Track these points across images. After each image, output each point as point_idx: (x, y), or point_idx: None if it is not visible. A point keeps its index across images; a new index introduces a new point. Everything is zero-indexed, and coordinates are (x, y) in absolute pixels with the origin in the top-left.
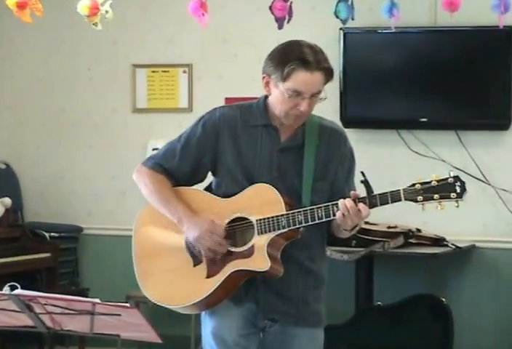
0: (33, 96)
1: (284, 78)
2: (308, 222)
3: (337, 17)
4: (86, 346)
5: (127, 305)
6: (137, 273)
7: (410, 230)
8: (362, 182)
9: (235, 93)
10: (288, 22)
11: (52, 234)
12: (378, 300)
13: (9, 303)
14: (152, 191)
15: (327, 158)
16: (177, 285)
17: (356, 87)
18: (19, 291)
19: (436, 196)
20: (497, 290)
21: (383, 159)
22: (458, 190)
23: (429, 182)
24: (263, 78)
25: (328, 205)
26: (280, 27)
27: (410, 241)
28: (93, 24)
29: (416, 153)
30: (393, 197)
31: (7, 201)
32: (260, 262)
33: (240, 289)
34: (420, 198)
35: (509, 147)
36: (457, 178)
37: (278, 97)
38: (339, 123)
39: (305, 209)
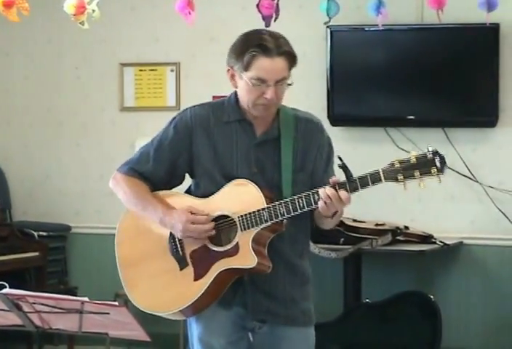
0: (20, 95)
1: (246, 67)
2: (290, 213)
3: (328, 14)
4: (75, 344)
5: (116, 303)
6: (122, 281)
7: (398, 228)
8: (340, 166)
9: (223, 91)
10: (275, 20)
11: (41, 233)
12: (366, 297)
13: None
14: (129, 196)
15: (305, 149)
16: (165, 291)
17: (343, 85)
18: (7, 290)
19: (416, 173)
20: (484, 287)
21: (371, 157)
22: (438, 164)
23: (408, 160)
24: (228, 71)
25: (308, 194)
26: (267, 25)
27: (398, 238)
28: (80, 23)
29: (403, 150)
30: (373, 178)
31: None
32: (246, 259)
33: (228, 291)
34: (400, 176)
35: (496, 145)
36: (435, 153)
37: (243, 88)
38: (326, 122)
39: (285, 200)
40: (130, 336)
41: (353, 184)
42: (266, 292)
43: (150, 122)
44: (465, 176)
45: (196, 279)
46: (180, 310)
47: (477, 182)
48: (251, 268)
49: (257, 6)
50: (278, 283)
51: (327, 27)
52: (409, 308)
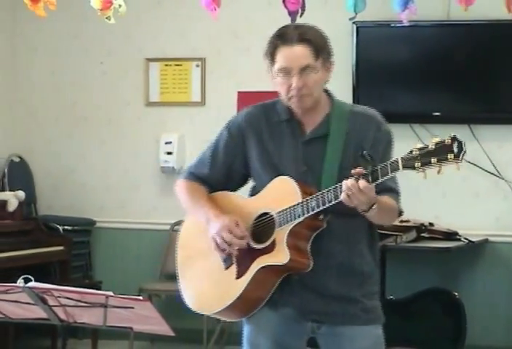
0: (47, 90)
1: (272, 61)
2: (319, 206)
3: (354, 10)
4: (99, 339)
5: (140, 297)
6: (179, 283)
7: (423, 224)
8: (360, 156)
9: (247, 87)
10: (301, 16)
11: (65, 227)
12: (390, 294)
13: (23, 296)
14: (186, 199)
15: (358, 144)
16: (211, 290)
17: (368, 81)
18: (33, 283)
19: (433, 160)
20: (509, 284)
21: (396, 153)
22: (455, 150)
23: (426, 147)
24: (269, 72)
25: (336, 186)
26: (293, 20)
27: (423, 235)
28: (106, 18)
29: None
30: (392, 167)
31: (21, 194)
32: (279, 256)
33: (276, 292)
34: (417, 164)
35: None
36: (454, 138)
37: (276, 83)
38: None
39: (316, 194)
40: (154, 330)
41: (374, 174)
42: (318, 292)
43: (175, 117)
44: (491, 173)
45: (237, 277)
46: (224, 310)
47: (503, 179)
48: (283, 265)
49: (283, 1)
50: (330, 283)
51: (353, 23)
52: (433, 305)
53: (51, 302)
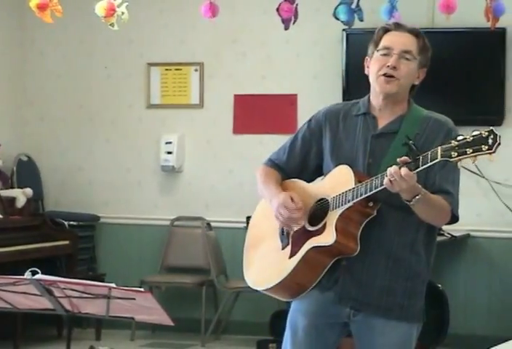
0: (54, 92)
1: (377, 44)
2: (367, 192)
3: (337, 18)
4: (102, 328)
5: (141, 289)
6: (243, 262)
7: None
8: (404, 145)
9: (244, 90)
10: (294, 23)
11: (71, 223)
12: None
13: (31, 287)
14: (260, 182)
15: (424, 147)
16: (268, 269)
17: (357, 85)
18: (39, 276)
19: (468, 151)
20: (490, 276)
21: None
22: (490, 141)
23: (465, 138)
24: (366, 61)
25: (383, 174)
26: (286, 27)
27: None
28: (110, 24)
29: None
30: (432, 156)
31: (28, 191)
32: (327, 237)
33: (325, 276)
34: (454, 154)
35: (502, 143)
36: (491, 131)
37: (372, 64)
38: None
39: (366, 181)
40: (154, 320)
41: (416, 162)
42: (360, 281)
43: (175, 118)
44: (473, 172)
45: (290, 257)
46: (275, 286)
47: (483, 177)
48: (330, 246)
49: (277, 9)
50: (376, 273)
51: (343, 30)
52: None
53: (57, 293)
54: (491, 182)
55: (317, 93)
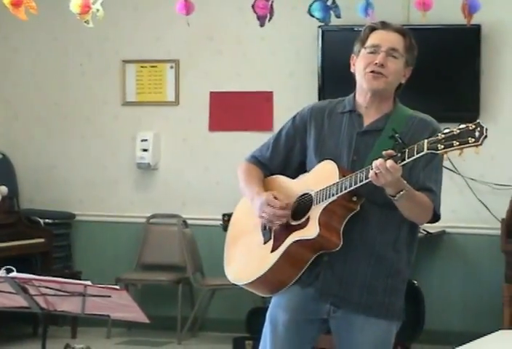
0: (28, 90)
1: (363, 42)
2: (351, 186)
3: (312, 15)
4: (78, 326)
5: (117, 287)
6: (224, 258)
7: None
8: (390, 137)
9: (219, 87)
10: (269, 20)
11: (46, 220)
12: None
13: (5, 285)
14: (241, 179)
15: (409, 144)
16: (249, 264)
17: (333, 81)
18: (14, 274)
19: (455, 143)
20: (465, 272)
21: None
22: (477, 134)
23: (451, 131)
24: (352, 58)
25: (368, 167)
26: (262, 25)
27: None
28: (85, 21)
29: None
30: (418, 149)
31: (3, 189)
32: (309, 231)
33: (306, 271)
34: (440, 146)
35: None
36: (477, 124)
37: (359, 62)
38: None
39: (351, 175)
40: (130, 318)
41: (402, 155)
42: (341, 277)
43: (151, 116)
44: (447, 168)
45: (272, 251)
46: (255, 281)
47: (459, 174)
48: (312, 239)
49: (253, 6)
50: (358, 270)
51: (319, 27)
52: None
53: (32, 291)
54: (466, 178)
55: (293, 90)
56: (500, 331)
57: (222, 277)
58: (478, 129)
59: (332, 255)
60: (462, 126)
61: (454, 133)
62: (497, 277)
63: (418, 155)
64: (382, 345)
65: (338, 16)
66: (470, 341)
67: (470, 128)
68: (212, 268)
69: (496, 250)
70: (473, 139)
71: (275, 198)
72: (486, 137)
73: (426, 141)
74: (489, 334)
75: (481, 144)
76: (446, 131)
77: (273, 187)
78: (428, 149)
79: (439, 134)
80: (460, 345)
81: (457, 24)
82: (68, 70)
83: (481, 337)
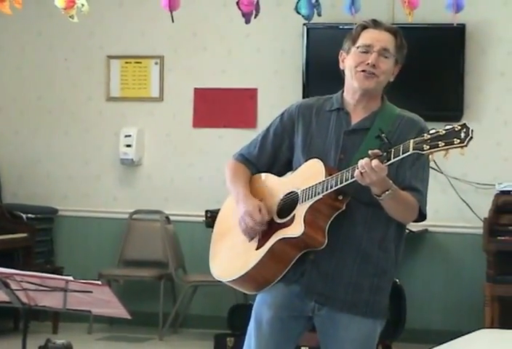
0: (12, 85)
1: (354, 40)
2: (337, 184)
3: (298, 13)
4: (59, 321)
5: (99, 282)
6: (210, 255)
7: None
8: (376, 137)
9: (204, 83)
10: (255, 17)
11: (29, 215)
12: None
13: None
14: (228, 178)
15: (396, 144)
16: (234, 261)
17: (317, 79)
18: None
19: (440, 144)
20: (446, 271)
21: None
22: (462, 135)
23: (437, 132)
24: (340, 55)
25: (354, 167)
26: (247, 21)
27: None
28: (69, 16)
29: None
30: (404, 148)
31: None
32: (294, 229)
33: (290, 269)
34: (426, 147)
35: None
36: (463, 125)
37: (349, 60)
38: None
39: (337, 174)
40: (112, 313)
41: (388, 155)
42: (327, 275)
43: (135, 112)
44: (431, 167)
45: (257, 248)
46: (240, 279)
47: (442, 173)
48: (297, 237)
49: (237, 3)
50: (344, 268)
51: (304, 24)
52: None
53: (13, 286)
54: (449, 177)
55: (277, 87)
56: (481, 330)
57: (205, 273)
58: (464, 130)
59: (318, 253)
60: (448, 127)
61: (440, 134)
62: (478, 276)
63: (404, 155)
64: (366, 342)
65: (319, 14)
66: (452, 340)
67: (456, 129)
68: (194, 264)
69: (478, 249)
70: (459, 141)
71: (259, 210)
72: (471, 138)
73: (412, 141)
74: (471, 332)
75: (466, 145)
76: (432, 131)
77: (259, 184)
78: (413, 149)
79: (425, 135)
80: (441, 344)
81: (441, 23)
82: (53, 65)
83: (463, 335)
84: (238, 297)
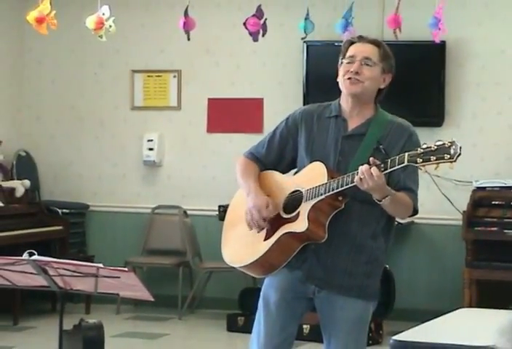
0: (49, 96)
1: (344, 54)
2: (338, 188)
3: (305, 31)
4: (91, 303)
5: (125, 269)
6: (222, 240)
7: None
8: (376, 149)
9: (216, 94)
10: (263, 35)
11: (64, 210)
12: None
13: (28, 267)
14: (239, 173)
15: (389, 147)
16: (244, 249)
17: (316, 90)
18: (36, 257)
19: (432, 158)
20: (430, 258)
21: None
22: (452, 152)
23: (430, 147)
24: (338, 69)
25: (354, 172)
26: (255, 40)
27: None
28: (99, 36)
29: None
30: (399, 160)
31: (27, 182)
32: (299, 225)
33: (295, 257)
34: (419, 160)
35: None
36: (453, 142)
37: (340, 71)
38: None
39: (339, 178)
40: (137, 296)
41: (385, 164)
42: (325, 263)
43: (156, 119)
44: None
45: (265, 239)
46: (250, 265)
47: (425, 171)
48: (301, 233)
49: (244, 23)
50: (340, 259)
51: (304, 42)
52: None
53: (51, 272)
54: (432, 175)
55: (281, 97)
56: (461, 310)
57: (218, 261)
58: (454, 147)
59: (317, 244)
60: (439, 142)
61: (432, 149)
62: (458, 262)
63: (399, 167)
64: (360, 321)
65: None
66: (435, 318)
67: (446, 145)
68: (208, 253)
69: (458, 238)
70: (448, 156)
71: (267, 206)
72: (459, 154)
73: (407, 154)
74: (451, 312)
75: (455, 161)
76: (425, 146)
77: (267, 181)
78: (408, 161)
79: (418, 149)
80: (426, 321)
81: (424, 40)
82: (84, 78)
83: (445, 314)
84: (248, 281)
